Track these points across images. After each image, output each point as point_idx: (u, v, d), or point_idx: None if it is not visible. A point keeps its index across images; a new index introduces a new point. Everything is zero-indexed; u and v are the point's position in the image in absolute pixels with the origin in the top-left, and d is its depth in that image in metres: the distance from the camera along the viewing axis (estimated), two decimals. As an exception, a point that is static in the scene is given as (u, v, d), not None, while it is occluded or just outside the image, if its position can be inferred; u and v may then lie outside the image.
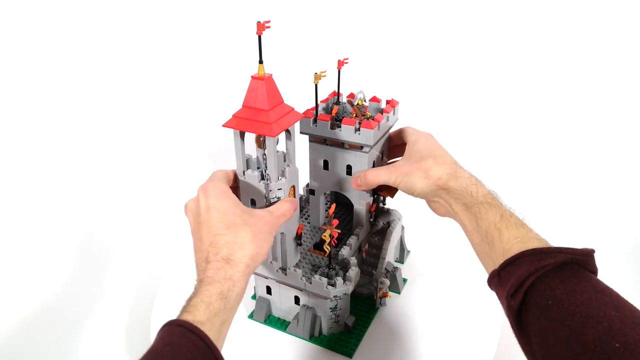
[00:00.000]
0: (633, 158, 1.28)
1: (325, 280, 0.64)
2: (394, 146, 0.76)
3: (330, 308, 0.68)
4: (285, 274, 0.67)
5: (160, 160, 1.32)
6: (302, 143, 0.71)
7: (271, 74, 0.57)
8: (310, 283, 0.65)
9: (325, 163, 0.72)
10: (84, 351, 0.86)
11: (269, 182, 0.60)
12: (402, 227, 0.84)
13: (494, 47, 1.47)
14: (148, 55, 1.42)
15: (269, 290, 0.73)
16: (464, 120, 1.45)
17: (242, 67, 0.73)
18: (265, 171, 0.61)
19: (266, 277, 0.70)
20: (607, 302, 0.41)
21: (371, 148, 0.67)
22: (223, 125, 0.59)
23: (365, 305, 0.76)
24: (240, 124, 0.58)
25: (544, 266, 0.45)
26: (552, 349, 0.41)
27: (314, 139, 0.71)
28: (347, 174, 0.71)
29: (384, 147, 0.75)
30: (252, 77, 0.57)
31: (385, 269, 0.77)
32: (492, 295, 0.52)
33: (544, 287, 0.44)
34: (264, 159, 0.61)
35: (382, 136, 0.71)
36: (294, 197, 0.65)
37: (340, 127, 0.67)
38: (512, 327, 0.47)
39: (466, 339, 0.73)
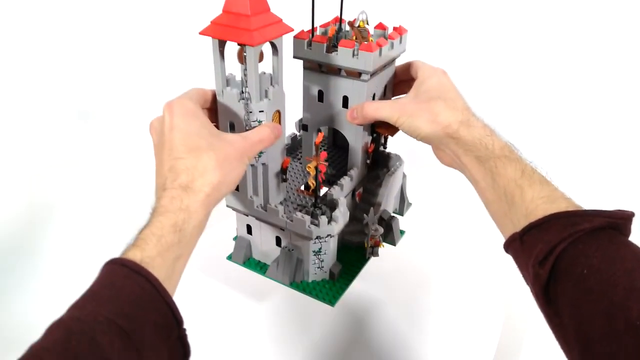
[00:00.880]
0: (632, 159, 1.21)
1: (308, 218, 0.58)
2: (400, 81, 0.68)
3: (314, 251, 0.62)
4: (266, 211, 0.60)
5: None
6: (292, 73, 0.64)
7: (256, -26, 0.50)
8: (292, 221, 0.59)
9: (320, 94, 0.65)
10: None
11: (248, 102, 0.53)
12: (404, 175, 0.77)
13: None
14: (133, 40, 1.31)
15: (249, 229, 0.67)
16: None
17: None
18: (245, 89, 0.54)
19: (246, 215, 0.64)
20: None
21: (371, 76, 0.59)
22: (199, 33, 0.52)
23: (355, 255, 0.70)
24: (218, 31, 0.51)
25: (577, 231, 0.39)
26: (588, 323, 0.36)
27: (308, 65, 0.63)
28: (343, 107, 0.64)
29: (388, 82, 0.67)
30: (235, -24, 0.49)
31: (381, 217, 0.70)
32: (500, 260, 0.45)
33: (578, 254, 0.39)
34: (244, 75, 0.54)
35: (385, 65, 0.63)
36: (279, 123, 0.58)
37: (337, 50, 0.59)
38: (537, 298, 0.41)
39: (463, 304, 0.67)
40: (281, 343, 0.62)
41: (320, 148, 0.59)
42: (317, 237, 0.60)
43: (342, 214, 0.60)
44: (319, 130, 0.67)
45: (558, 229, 0.40)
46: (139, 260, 0.38)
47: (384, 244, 0.71)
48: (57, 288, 0.86)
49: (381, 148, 0.74)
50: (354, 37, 0.62)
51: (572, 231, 0.39)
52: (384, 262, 0.71)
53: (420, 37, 0.81)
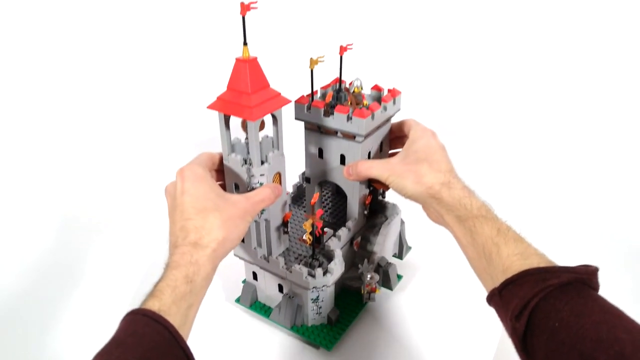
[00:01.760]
0: (631, 162, 1.21)
1: (305, 270, 0.63)
2: (396, 137, 0.73)
3: (312, 299, 0.67)
4: (268, 262, 0.66)
5: (150, 148, 1.25)
6: (300, 131, 0.70)
7: (256, 57, 0.56)
8: (291, 272, 0.64)
9: (320, 151, 0.70)
10: (61, 339, 0.76)
11: (250, 166, 0.59)
12: (402, 222, 0.81)
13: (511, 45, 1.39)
14: (132, 41, 1.29)
15: (255, 275, 0.72)
16: (467, 117, 1.39)
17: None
18: (247, 155, 0.60)
19: (252, 263, 0.70)
20: (617, 324, 0.39)
21: (365, 138, 0.65)
22: (207, 107, 0.58)
23: (353, 300, 0.74)
24: (223, 106, 0.57)
25: (547, 286, 0.43)
26: None
27: (309, 126, 0.69)
28: (341, 163, 0.69)
29: (384, 138, 0.72)
30: (237, 59, 0.56)
31: (378, 264, 0.75)
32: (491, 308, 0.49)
33: (549, 309, 0.42)
34: (246, 143, 0.60)
35: (380, 126, 0.68)
36: (280, 184, 0.64)
37: (333, 114, 0.65)
38: (517, 350, 0.45)
39: (456, 345, 0.70)
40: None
41: (319, 205, 0.64)
42: (314, 287, 0.65)
43: (337, 266, 0.64)
44: (319, 184, 0.73)
45: (531, 285, 0.44)
46: (157, 310, 0.44)
47: (381, 289, 0.75)
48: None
49: (380, 197, 0.78)
50: (349, 102, 0.68)
51: (543, 286, 0.43)
52: (381, 307, 0.75)
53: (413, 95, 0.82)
